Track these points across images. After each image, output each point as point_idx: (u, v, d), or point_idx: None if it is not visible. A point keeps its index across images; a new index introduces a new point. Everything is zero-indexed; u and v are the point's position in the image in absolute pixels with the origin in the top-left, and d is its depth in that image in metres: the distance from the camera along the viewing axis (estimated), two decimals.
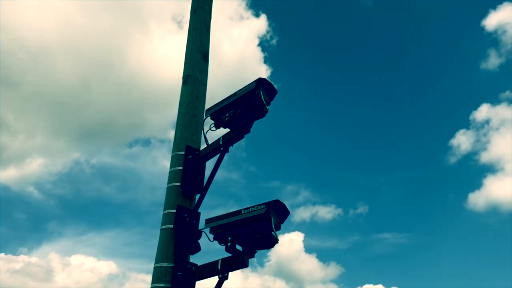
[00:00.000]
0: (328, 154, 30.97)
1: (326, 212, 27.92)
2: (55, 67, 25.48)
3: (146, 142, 29.29)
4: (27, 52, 25.09)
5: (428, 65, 30.98)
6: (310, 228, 28.51)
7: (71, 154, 28.22)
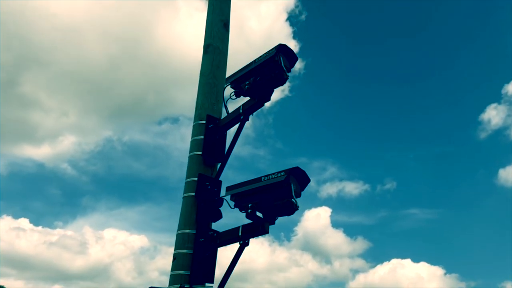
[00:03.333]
0: (356, 130, 30.62)
1: (353, 188, 27.82)
2: (85, 46, 25.87)
3: (175, 120, 29.63)
4: (58, 31, 25.53)
5: (458, 38, 29.86)
6: (337, 204, 28.48)
7: (102, 132, 28.91)
